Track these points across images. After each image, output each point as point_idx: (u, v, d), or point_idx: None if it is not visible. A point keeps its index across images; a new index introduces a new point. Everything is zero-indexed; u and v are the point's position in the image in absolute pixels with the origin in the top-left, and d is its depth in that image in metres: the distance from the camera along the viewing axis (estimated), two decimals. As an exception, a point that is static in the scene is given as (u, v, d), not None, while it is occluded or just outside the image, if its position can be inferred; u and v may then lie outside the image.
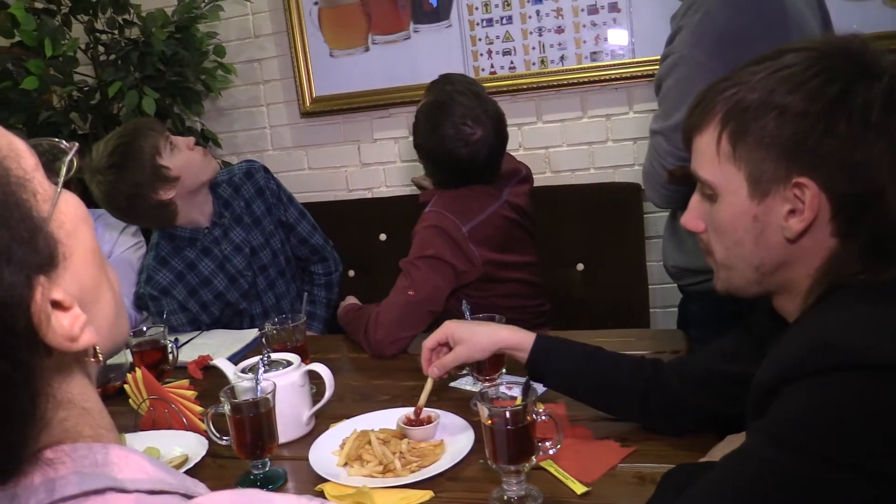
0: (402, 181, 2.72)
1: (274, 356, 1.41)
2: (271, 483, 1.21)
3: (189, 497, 0.51)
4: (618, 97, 2.45)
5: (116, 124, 2.37)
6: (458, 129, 1.74)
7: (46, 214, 0.49)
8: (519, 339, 1.26)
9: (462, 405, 1.38)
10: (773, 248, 0.87)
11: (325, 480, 1.17)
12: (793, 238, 0.85)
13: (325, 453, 1.26)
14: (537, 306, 1.95)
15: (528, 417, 1.05)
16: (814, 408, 0.74)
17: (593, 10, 2.39)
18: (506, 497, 1.06)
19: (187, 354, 1.78)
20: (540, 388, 1.39)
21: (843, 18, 2.06)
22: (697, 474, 0.83)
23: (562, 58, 2.45)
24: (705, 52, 1.39)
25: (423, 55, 2.56)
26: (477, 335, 1.28)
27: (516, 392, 1.10)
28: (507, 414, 1.04)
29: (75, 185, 1.94)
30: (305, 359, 1.46)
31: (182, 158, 1.93)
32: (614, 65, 2.40)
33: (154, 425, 1.43)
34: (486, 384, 1.36)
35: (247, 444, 1.19)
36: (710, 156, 0.89)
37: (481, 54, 2.52)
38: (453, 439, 1.25)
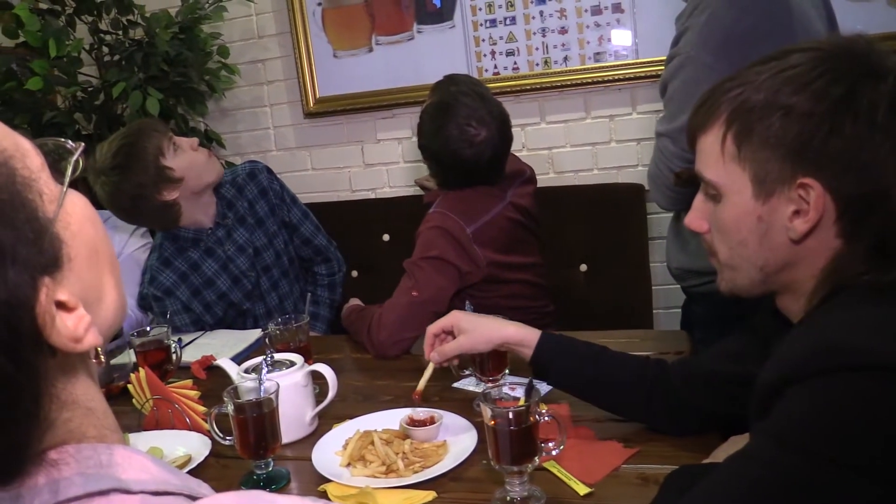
0: (405, 182, 2.72)
1: (277, 356, 1.41)
2: (274, 483, 1.21)
3: (193, 498, 0.51)
4: (621, 98, 2.44)
5: (120, 125, 2.37)
6: (463, 130, 1.74)
7: (52, 215, 0.49)
8: (523, 336, 1.26)
9: (465, 406, 1.38)
10: (778, 249, 0.87)
11: (328, 481, 1.17)
12: (797, 239, 0.85)
13: (328, 453, 1.26)
14: (541, 307, 1.95)
15: (531, 418, 1.05)
16: (817, 409, 0.74)
17: (597, 10, 2.39)
18: (509, 498, 1.06)
19: (191, 354, 1.79)
20: (543, 388, 1.39)
21: (848, 19, 2.05)
22: (701, 475, 0.83)
23: (565, 58, 2.45)
24: (711, 53, 1.39)
25: (427, 56, 2.56)
26: (481, 327, 1.28)
27: (519, 393, 1.10)
28: (511, 415, 1.04)
29: (81, 185, 1.95)
30: (308, 359, 1.46)
31: (186, 159, 1.94)
32: (618, 65, 2.40)
33: (157, 425, 1.43)
34: (490, 385, 1.36)
35: (250, 444, 1.19)
36: (714, 156, 0.89)
37: (485, 55, 2.52)
38: (456, 440, 1.25)
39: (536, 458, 1.06)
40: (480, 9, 2.49)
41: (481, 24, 2.50)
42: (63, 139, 0.54)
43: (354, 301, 1.99)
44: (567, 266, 2.37)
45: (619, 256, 2.32)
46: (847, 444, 0.71)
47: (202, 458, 1.29)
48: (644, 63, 2.36)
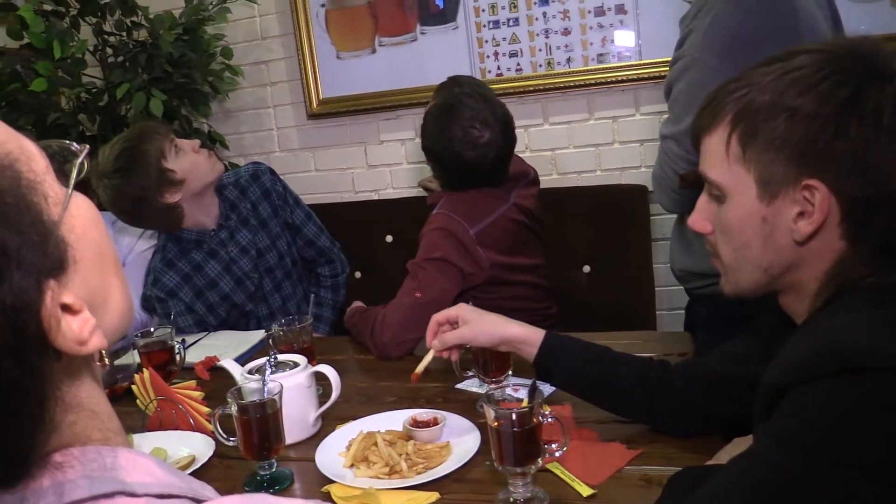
0: (408, 183, 2.72)
1: (281, 357, 1.41)
2: (278, 484, 1.21)
3: (198, 501, 0.51)
4: (624, 99, 2.44)
5: (124, 126, 2.38)
6: (466, 131, 1.74)
7: (57, 218, 0.49)
8: (527, 335, 1.26)
9: (468, 407, 1.38)
10: (782, 250, 0.87)
11: (332, 481, 1.17)
12: (801, 240, 0.85)
13: (332, 454, 1.26)
14: (544, 309, 1.95)
15: (535, 419, 1.05)
16: (821, 410, 0.74)
17: (600, 11, 2.39)
18: (512, 499, 1.06)
19: (194, 355, 1.79)
20: (546, 390, 1.39)
21: (853, 20, 2.05)
22: (704, 477, 0.83)
23: (568, 60, 2.45)
24: (716, 55, 1.39)
25: (430, 57, 2.56)
26: (485, 321, 1.28)
27: (522, 394, 1.10)
28: (514, 416, 1.04)
29: (82, 188, 1.95)
30: (312, 360, 1.47)
31: (187, 161, 1.94)
32: (621, 66, 2.40)
33: (161, 426, 1.44)
34: (493, 386, 1.36)
35: (253, 444, 1.19)
36: (719, 156, 0.88)
37: (488, 56, 2.52)
38: (459, 441, 1.25)
39: (539, 460, 1.06)
40: (483, 10, 2.49)
41: (484, 26, 2.50)
42: (68, 142, 0.54)
43: (358, 304, 1.99)
44: (570, 267, 2.37)
45: (623, 258, 2.32)
46: (850, 445, 0.71)
47: (206, 459, 1.29)
48: (647, 64, 2.36)
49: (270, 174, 2.17)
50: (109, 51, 2.53)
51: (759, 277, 0.91)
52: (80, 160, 0.53)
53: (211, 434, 1.34)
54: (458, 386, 1.50)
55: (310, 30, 2.67)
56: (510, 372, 1.39)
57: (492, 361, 1.37)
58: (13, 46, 2.34)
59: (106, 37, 2.51)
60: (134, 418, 1.46)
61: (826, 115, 0.80)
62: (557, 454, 1.10)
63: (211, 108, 2.72)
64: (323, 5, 2.65)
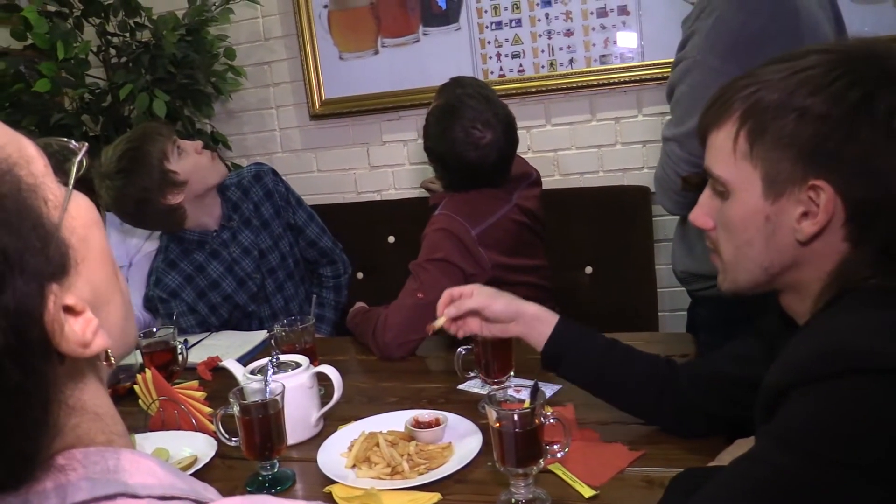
0: (410, 184, 2.72)
1: (283, 358, 1.41)
2: (280, 484, 1.21)
3: (200, 502, 0.51)
4: (627, 100, 2.44)
5: (127, 126, 2.38)
6: (468, 132, 1.74)
7: (57, 220, 0.49)
8: (541, 313, 1.24)
9: (470, 408, 1.38)
10: (783, 250, 0.87)
11: (334, 482, 1.18)
12: (804, 241, 0.85)
13: (334, 455, 1.26)
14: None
15: (537, 420, 1.05)
16: (823, 411, 0.74)
17: (602, 12, 2.39)
18: (513, 500, 1.06)
19: (197, 356, 1.79)
20: (548, 390, 1.39)
21: (856, 21, 2.05)
22: (706, 478, 0.83)
23: (571, 61, 2.45)
24: (719, 56, 1.39)
25: (433, 58, 2.56)
26: (500, 295, 1.27)
27: (524, 395, 1.10)
28: (516, 417, 1.04)
29: (84, 188, 1.95)
30: (314, 361, 1.47)
31: (190, 162, 1.94)
32: (623, 68, 2.40)
33: (163, 426, 1.44)
34: (495, 387, 1.36)
35: (256, 445, 1.19)
36: (725, 152, 0.88)
37: (490, 57, 2.52)
38: (461, 442, 1.25)
39: (541, 461, 1.06)
40: (486, 11, 2.49)
41: (487, 27, 2.50)
42: (67, 139, 0.54)
43: (360, 304, 1.99)
44: (572, 268, 2.36)
45: (625, 259, 2.32)
46: (852, 446, 0.71)
47: (208, 459, 1.29)
48: (650, 65, 2.36)
49: (273, 175, 2.17)
50: (113, 51, 2.53)
51: (759, 276, 0.90)
52: (78, 158, 0.53)
53: (213, 434, 1.34)
54: (460, 387, 1.50)
55: (312, 31, 2.68)
56: (512, 373, 1.39)
57: (494, 362, 1.37)
58: (17, 47, 2.35)
59: (109, 37, 2.51)
60: (136, 418, 1.46)
61: (837, 116, 0.79)
62: (559, 455, 1.10)
63: (214, 108, 2.72)
64: (325, 6, 2.65)
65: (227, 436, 1.24)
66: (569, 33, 2.43)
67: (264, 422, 1.19)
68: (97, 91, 2.47)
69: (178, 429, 1.42)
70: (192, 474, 1.24)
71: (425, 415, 1.32)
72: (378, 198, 2.79)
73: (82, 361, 0.50)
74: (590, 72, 2.43)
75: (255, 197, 2.12)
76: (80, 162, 0.53)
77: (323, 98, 2.73)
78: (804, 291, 0.89)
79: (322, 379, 1.40)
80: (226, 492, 0.53)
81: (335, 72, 2.69)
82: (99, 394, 0.53)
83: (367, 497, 1.10)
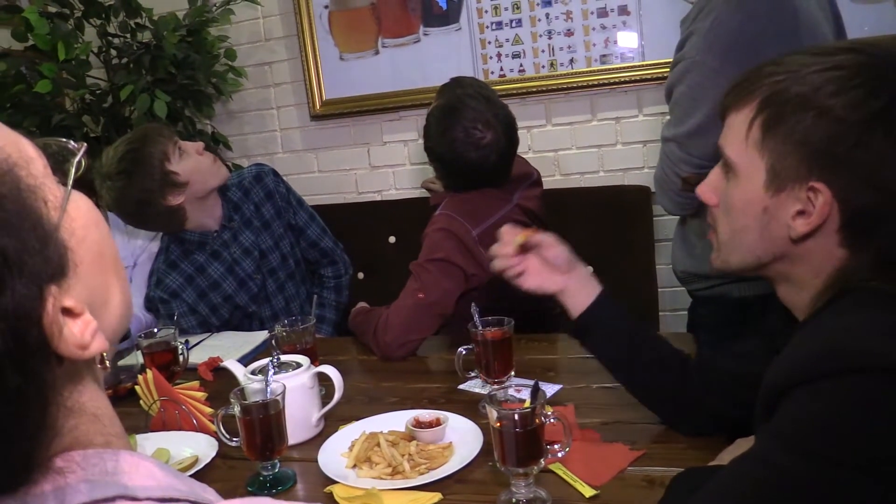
0: (411, 184, 2.73)
1: (284, 358, 1.41)
2: (280, 484, 1.21)
3: None
4: (627, 100, 2.44)
5: (128, 127, 2.39)
6: (469, 132, 1.74)
7: (57, 221, 0.48)
8: (589, 279, 1.24)
9: (471, 407, 1.38)
10: (776, 243, 0.88)
11: (334, 482, 1.18)
12: (796, 238, 0.85)
13: (334, 455, 1.26)
14: (547, 310, 1.94)
15: (537, 420, 1.05)
16: (823, 411, 0.74)
17: (603, 12, 2.39)
18: (514, 500, 1.06)
19: (198, 356, 1.79)
20: (549, 390, 1.39)
21: (856, 21, 2.05)
22: (706, 478, 0.83)
23: (571, 61, 2.45)
24: (717, 57, 1.39)
25: (433, 58, 2.57)
26: (565, 246, 1.27)
27: (525, 395, 1.10)
28: (516, 416, 1.04)
29: (86, 189, 1.96)
30: (315, 361, 1.47)
31: (191, 164, 1.94)
32: (624, 67, 2.40)
33: (164, 426, 1.44)
34: (495, 387, 1.37)
35: (256, 445, 1.19)
36: (739, 135, 0.88)
37: (491, 57, 2.52)
38: (462, 441, 1.25)
39: (542, 460, 1.06)
40: (486, 11, 2.49)
41: (487, 27, 2.50)
42: (65, 140, 0.54)
43: (362, 304, 1.99)
44: (573, 268, 2.36)
45: (625, 258, 2.32)
46: (852, 446, 0.71)
47: (209, 460, 1.29)
48: (650, 65, 2.36)
49: (274, 175, 2.18)
50: (113, 52, 2.54)
51: (750, 261, 0.92)
52: (77, 158, 0.53)
53: (214, 434, 1.34)
54: (461, 387, 1.50)
55: (313, 31, 2.68)
56: (512, 373, 1.40)
57: (494, 362, 1.37)
58: (18, 48, 2.35)
59: (110, 38, 2.51)
60: (137, 419, 1.47)
61: (852, 122, 0.79)
62: (560, 455, 1.10)
63: (214, 109, 2.73)
64: (326, 7, 2.65)
65: (228, 436, 1.24)
66: (569, 33, 2.43)
67: (265, 422, 1.19)
68: (98, 92, 2.48)
69: (179, 429, 1.42)
70: (193, 474, 1.24)
71: (426, 415, 1.32)
72: (379, 198, 2.79)
73: (80, 363, 0.50)
74: (590, 72, 2.43)
75: (256, 197, 2.13)
76: (79, 162, 0.53)
77: (323, 98, 2.73)
78: (799, 285, 0.89)
79: (323, 379, 1.40)
80: (227, 492, 0.53)
81: (336, 72, 2.70)
82: (97, 395, 0.53)
83: (368, 497, 1.10)
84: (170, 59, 2.40)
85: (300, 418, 1.33)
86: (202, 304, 2.05)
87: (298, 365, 1.38)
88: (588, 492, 1.07)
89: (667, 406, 1.21)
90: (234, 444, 1.24)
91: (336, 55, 2.69)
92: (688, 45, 1.47)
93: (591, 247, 2.37)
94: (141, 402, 1.48)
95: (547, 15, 2.44)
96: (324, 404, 1.39)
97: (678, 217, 1.69)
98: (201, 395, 1.47)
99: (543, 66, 2.48)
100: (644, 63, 2.38)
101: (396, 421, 1.33)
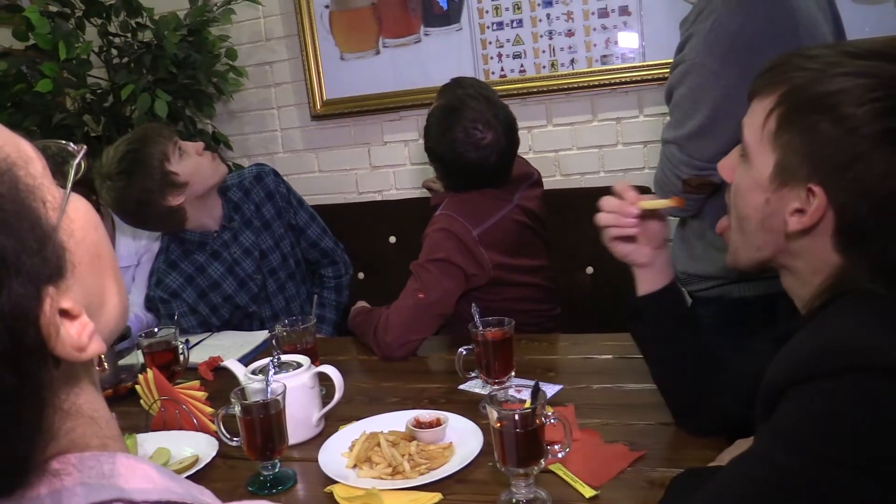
0: (411, 184, 2.73)
1: (284, 358, 1.41)
2: (281, 484, 1.21)
3: None
4: (628, 100, 2.44)
5: (129, 127, 2.39)
6: (469, 132, 1.75)
7: (55, 222, 0.48)
8: (669, 264, 1.21)
9: (471, 408, 1.38)
10: (774, 235, 0.89)
11: (335, 482, 1.18)
12: (790, 234, 0.87)
13: (335, 455, 1.26)
14: (548, 310, 1.95)
15: (537, 420, 1.05)
16: (822, 410, 0.74)
17: (604, 13, 2.39)
18: (514, 500, 1.06)
19: (198, 356, 1.79)
20: (549, 391, 1.40)
21: (857, 21, 2.05)
22: (706, 478, 0.83)
23: (572, 61, 2.45)
24: (718, 59, 1.38)
25: (434, 58, 2.57)
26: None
27: (525, 395, 1.10)
28: (516, 417, 1.04)
29: (87, 190, 1.96)
30: (315, 361, 1.47)
31: (191, 164, 1.94)
32: (624, 68, 2.40)
33: (165, 426, 1.44)
34: (495, 387, 1.37)
35: (257, 445, 1.20)
36: (757, 123, 0.89)
37: (491, 57, 2.52)
38: (462, 442, 1.25)
39: (542, 461, 1.06)
40: (487, 11, 2.49)
41: (488, 27, 2.50)
42: (65, 142, 0.53)
43: (362, 303, 2.00)
44: (573, 269, 2.36)
45: (626, 259, 2.31)
46: (852, 445, 0.71)
47: (209, 459, 1.29)
48: (651, 66, 2.36)
49: (274, 175, 2.18)
50: (114, 52, 2.54)
51: (753, 255, 0.94)
52: (77, 160, 0.52)
53: (214, 434, 1.34)
54: (461, 387, 1.50)
55: (314, 31, 2.68)
56: (513, 373, 1.40)
57: (494, 362, 1.37)
58: (19, 47, 2.35)
59: (111, 38, 2.52)
60: (138, 418, 1.47)
61: (863, 135, 0.79)
62: (560, 455, 1.10)
63: (215, 109, 2.73)
64: (327, 6, 2.66)
65: (228, 436, 1.24)
66: (570, 34, 2.43)
67: (265, 422, 1.19)
68: (99, 91, 2.48)
69: (180, 429, 1.42)
70: (193, 474, 1.24)
71: (426, 415, 1.32)
72: (379, 198, 2.79)
73: (77, 365, 0.50)
74: (591, 72, 2.43)
75: (257, 198, 2.13)
76: (79, 164, 0.52)
77: (324, 98, 2.73)
78: (800, 278, 0.90)
79: (323, 379, 1.40)
80: (227, 491, 0.53)
81: (336, 72, 2.70)
82: (93, 397, 0.53)
83: (369, 497, 1.10)
84: (170, 58, 2.40)
85: (300, 418, 1.33)
86: (202, 304, 2.05)
87: (299, 365, 1.38)
88: (588, 492, 1.07)
89: (696, 408, 1.19)
90: (234, 443, 1.24)
91: (337, 55, 2.69)
92: (688, 47, 1.47)
93: (590, 247, 2.37)
94: (141, 401, 1.48)
95: (548, 15, 2.44)
96: (324, 404, 1.39)
97: (678, 218, 1.69)
98: (202, 394, 1.47)
99: (544, 67, 2.48)
100: (645, 63, 2.38)
101: (397, 421, 1.33)
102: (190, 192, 1.94)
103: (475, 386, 1.49)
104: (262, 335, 1.93)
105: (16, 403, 0.45)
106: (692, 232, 1.60)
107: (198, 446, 1.34)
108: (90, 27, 2.46)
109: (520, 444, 1.04)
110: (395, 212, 2.61)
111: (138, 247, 2.18)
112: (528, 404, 1.06)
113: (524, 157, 2.02)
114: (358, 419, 1.37)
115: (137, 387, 1.49)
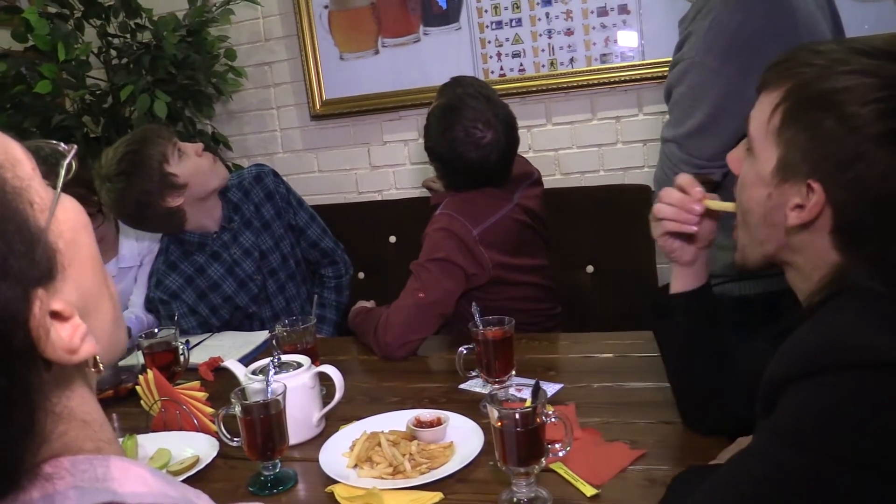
0: (411, 183, 2.73)
1: (284, 358, 1.41)
2: (281, 484, 1.21)
3: None
4: (627, 99, 2.44)
5: (128, 128, 2.39)
6: (469, 132, 1.75)
7: (44, 224, 0.48)
8: (705, 266, 1.18)
9: (472, 407, 1.38)
10: (775, 229, 0.90)
11: (335, 482, 1.18)
12: (789, 228, 0.87)
13: (335, 455, 1.26)
14: (548, 310, 1.95)
15: (538, 419, 1.05)
16: (822, 406, 0.74)
17: (603, 12, 2.39)
18: (515, 499, 1.06)
19: (198, 356, 1.79)
20: (550, 390, 1.39)
21: (856, 19, 2.05)
22: (707, 477, 0.83)
23: (571, 60, 2.45)
24: (717, 57, 1.38)
25: (433, 58, 2.57)
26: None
27: (526, 394, 1.10)
28: (517, 416, 1.04)
29: (87, 190, 1.96)
30: (315, 361, 1.47)
31: (190, 165, 1.94)
32: (624, 67, 2.40)
33: (165, 426, 1.44)
34: (496, 386, 1.37)
35: (257, 445, 1.19)
36: (763, 117, 0.90)
37: (491, 57, 2.52)
38: (463, 441, 1.25)
39: (543, 460, 1.06)
40: (486, 10, 2.49)
41: (487, 26, 2.50)
42: (56, 142, 0.53)
43: (362, 303, 2.00)
44: (573, 268, 2.36)
45: (626, 258, 2.31)
46: (852, 441, 0.71)
47: (210, 460, 1.29)
48: (650, 64, 2.36)
49: (274, 176, 2.17)
50: (113, 53, 2.54)
51: (758, 250, 0.94)
52: (66, 161, 0.52)
53: (215, 434, 1.34)
54: (462, 386, 1.50)
55: (313, 31, 2.68)
56: (513, 372, 1.40)
57: (495, 361, 1.37)
58: (18, 49, 2.35)
59: (110, 39, 2.51)
60: (138, 419, 1.47)
61: (865, 135, 0.79)
62: (561, 454, 1.10)
63: (214, 109, 2.73)
64: (326, 6, 2.65)
65: (228, 436, 1.24)
66: (569, 32, 2.43)
67: (266, 422, 1.19)
68: (98, 92, 2.48)
69: (180, 429, 1.42)
70: (194, 475, 1.24)
71: (427, 414, 1.32)
72: (379, 198, 2.79)
73: (70, 368, 0.49)
74: (590, 71, 2.43)
75: (256, 198, 2.12)
76: (69, 165, 0.52)
77: (324, 98, 2.73)
78: (801, 273, 0.91)
79: (323, 379, 1.40)
80: (228, 492, 0.53)
81: (336, 72, 2.70)
82: (87, 400, 0.52)
83: (369, 497, 1.10)
84: (170, 59, 2.39)
85: (301, 418, 1.33)
86: (202, 304, 2.05)
87: (299, 365, 1.38)
88: (589, 491, 1.07)
89: (698, 402, 1.18)
90: (235, 444, 1.24)
91: (336, 55, 2.69)
92: (687, 45, 1.47)
93: (591, 246, 2.38)
94: (142, 402, 1.48)
95: (547, 14, 2.44)
96: (324, 404, 1.39)
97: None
98: (202, 395, 1.47)
99: (543, 66, 2.48)
100: (644, 62, 2.38)
101: (397, 420, 1.33)
102: (189, 193, 1.94)
103: (476, 385, 1.49)
104: (263, 335, 1.93)
105: (5, 406, 0.44)
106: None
107: (198, 447, 1.34)
108: (89, 28, 2.46)
109: (520, 443, 1.04)
110: (395, 212, 2.61)
111: (141, 248, 2.18)
112: (528, 403, 1.06)
113: (524, 156, 2.02)
114: (358, 419, 1.37)
115: (138, 387, 1.49)
